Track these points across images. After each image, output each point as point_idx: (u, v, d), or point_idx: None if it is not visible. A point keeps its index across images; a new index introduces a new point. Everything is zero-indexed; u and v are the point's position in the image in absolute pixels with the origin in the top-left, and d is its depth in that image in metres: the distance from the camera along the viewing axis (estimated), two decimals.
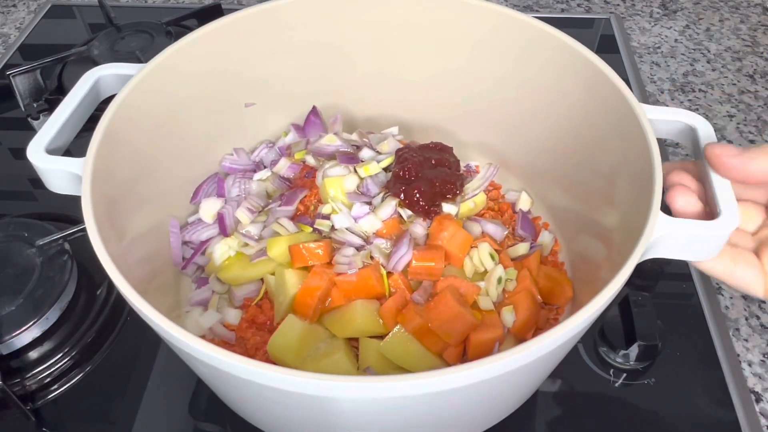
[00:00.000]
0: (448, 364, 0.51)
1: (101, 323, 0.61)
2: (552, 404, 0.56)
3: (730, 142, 0.82)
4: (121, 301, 0.63)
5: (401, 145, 0.61)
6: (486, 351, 0.52)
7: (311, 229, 0.57)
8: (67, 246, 0.63)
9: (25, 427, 0.56)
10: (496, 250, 0.57)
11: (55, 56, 0.84)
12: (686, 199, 0.45)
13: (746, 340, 0.62)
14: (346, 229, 0.56)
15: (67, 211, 0.69)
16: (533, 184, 0.65)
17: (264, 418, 0.49)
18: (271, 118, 0.68)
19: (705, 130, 0.49)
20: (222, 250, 0.59)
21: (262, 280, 0.58)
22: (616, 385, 0.58)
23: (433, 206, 0.56)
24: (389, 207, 0.56)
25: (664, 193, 0.44)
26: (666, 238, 0.43)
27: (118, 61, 0.59)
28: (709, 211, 0.45)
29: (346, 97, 0.68)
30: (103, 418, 0.56)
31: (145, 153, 0.55)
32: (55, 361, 0.59)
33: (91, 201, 0.44)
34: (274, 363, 0.40)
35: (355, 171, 0.59)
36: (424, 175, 0.57)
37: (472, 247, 0.57)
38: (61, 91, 0.85)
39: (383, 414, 0.41)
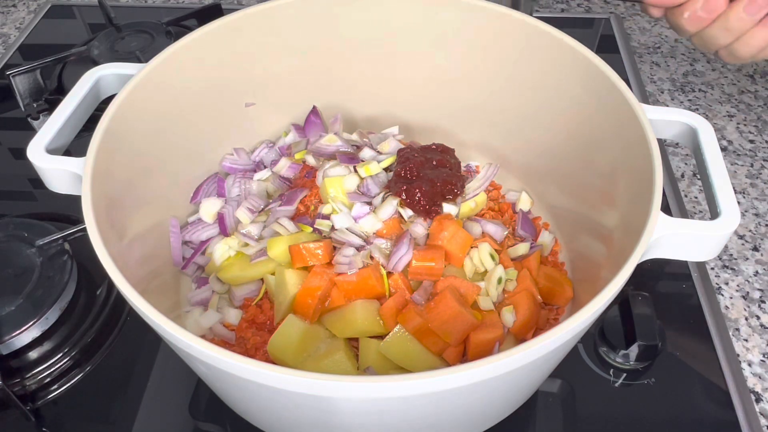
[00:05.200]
0: (448, 364, 0.51)
1: (101, 323, 0.61)
2: (552, 404, 0.56)
3: (730, 142, 0.82)
4: (121, 301, 0.63)
5: (402, 146, 0.62)
6: (486, 351, 0.52)
7: (311, 229, 0.57)
8: (67, 246, 0.63)
9: (25, 427, 0.56)
10: (496, 250, 0.57)
11: (55, 56, 0.84)
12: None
13: (746, 340, 0.62)
14: (347, 229, 0.56)
15: (67, 211, 0.69)
16: (533, 184, 0.65)
17: (264, 418, 0.49)
18: (271, 118, 0.68)
19: (705, 130, 0.49)
20: (222, 250, 0.59)
21: (262, 280, 0.58)
22: (616, 385, 0.58)
23: (434, 206, 0.57)
24: (390, 207, 0.56)
25: None
26: (666, 238, 0.43)
27: (118, 61, 0.59)
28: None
29: (346, 97, 0.68)
30: (103, 418, 0.56)
31: (146, 153, 0.55)
32: (55, 361, 0.59)
33: (91, 201, 0.44)
34: (274, 363, 0.40)
35: (356, 171, 0.59)
36: (426, 175, 0.57)
37: (472, 247, 0.57)
38: (61, 91, 0.85)
39: (383, 414, 0.41)
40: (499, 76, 0.61)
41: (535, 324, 0.55)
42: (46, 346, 0.59)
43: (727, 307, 0.65)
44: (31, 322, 0.58)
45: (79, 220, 0.64)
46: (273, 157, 0.67)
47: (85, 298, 0.63)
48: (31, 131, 0.84)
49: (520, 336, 0.54)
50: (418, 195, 0.56)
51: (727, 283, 0.67)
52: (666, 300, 0.63)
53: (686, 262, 0.66)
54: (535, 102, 0.60)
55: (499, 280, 0.55)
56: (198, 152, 0.63)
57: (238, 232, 0.59)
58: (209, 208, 0.61)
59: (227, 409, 0.54)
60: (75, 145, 0.53)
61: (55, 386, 0.58)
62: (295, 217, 0.59)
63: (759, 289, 0.66)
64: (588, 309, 0.38)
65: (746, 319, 0.64)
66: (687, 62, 0.94)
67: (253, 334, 0.55)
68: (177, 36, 0.87)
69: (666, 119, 0.51)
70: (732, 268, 0.68)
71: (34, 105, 0.83)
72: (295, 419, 0.44)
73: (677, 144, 0.82)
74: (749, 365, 0.61)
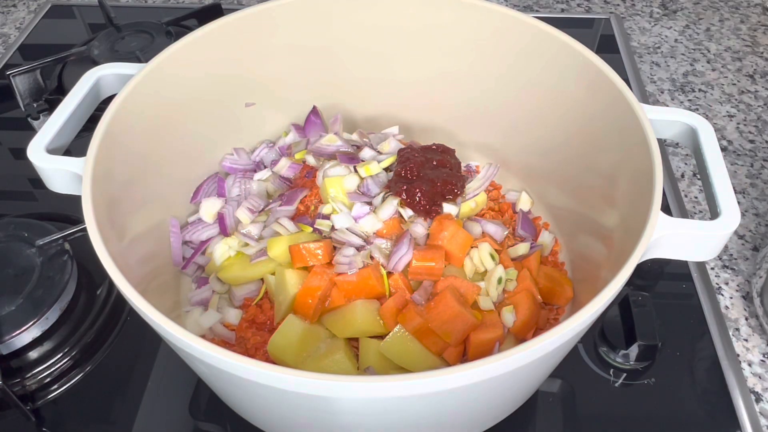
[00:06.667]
0: (448, 364, 0.51)
1: (101, 323, 0.61)
2: (552, 404, 0.56)
3: (730, 142, 0.82)
4: (121, 301, 0.63)
5: (402, 146, 0.62)
6: (486, 351, 0.52)
7: (311, 229, 0.57)
8: (67, 246, 0.63)
9: (25, 427, 0.56)
10: (496, 250, 0.57)
11: (55, 56, 0.84)
12: None
13: (746, 340, 0.62)
14: (347, 229, 0.56)
15: (67, 211, 0.69)
16: (533, 184, 0.65)
17: (264, 418, 0.49)
18: (271, 118, 0.68)
19: (705, 130, 0.49)
20: (222, 250, 0.59)
21: (262, 280, 0.58)
22: (616, 385, 0.58)
23: (434, 206, 0.57)
24: (390, 207, 0.56)
25: None
26: (666, 238, 0.43)
27: (118, 61, 0.59)
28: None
29: (346, 97, 0.68)
30: (103, 418, 0.56)
31: (146, 152, 0.55)
32: (55, 361, 0.59)
33: (91, 200, 0.44)
34: (274, 363, 0.40)
35: (356, 171, 0.59)
36: (426, 175, 0.57)
37: (472, 247, 0.57)
38: (61, 91, 0.85)
39: (383, 414, 0.41)
40: (499, 76, 0.61)
41: (535, 324, 0.55)
42: (46, 346, 0.59)
43: (727, 307, 0.65)
44: (31, 322, 0.58)
45: (79, 220, 0.64)
46: (273, 157, 0.67)
47: (85, 298, 0.63)
48: (31, 131, 0.84)
49: (520, 336, 0.54)
50: (419, 195, 0.56)
51: (727, 283, 0.67)
52: (666, 300, 0.63)
53: (686, 262, 0.66)
54: (536, 102, 0.60)
55: (499, 280, 0.55)
56: (198, 152, 0.63)
57: (238, 232, 0.59)
58: (209, 208, 0.61)
59: (227, 409, 0.54)
60: (75, 145, 0.53)
61: (55, 386, 0.58)
62: (295, 217, 0.59)
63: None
64: (588, 309, 0.38)
65: (746, 319, 0.64)
66: (687, 62, 0.94)
67: (253, 334, 0.55)
68: (177, 36, 0.87)
69: (666, 119, 0.51)
70: (732, 268, 0.68)
71: (34, 105, 0.83)
72: (295, 419, 0.44)
73: (677, 144, 0.82)
74: (749, 365, 0.61)
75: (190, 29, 0.71)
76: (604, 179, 0.54)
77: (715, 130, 0.80)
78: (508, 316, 0.53)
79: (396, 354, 0.50)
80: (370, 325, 0.52)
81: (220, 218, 0.61)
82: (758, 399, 0.58)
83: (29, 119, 0.84)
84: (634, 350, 0.57)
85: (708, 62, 0.94)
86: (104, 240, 0.42)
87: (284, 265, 0.55)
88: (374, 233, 0.56)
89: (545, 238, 0.62)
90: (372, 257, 0.54)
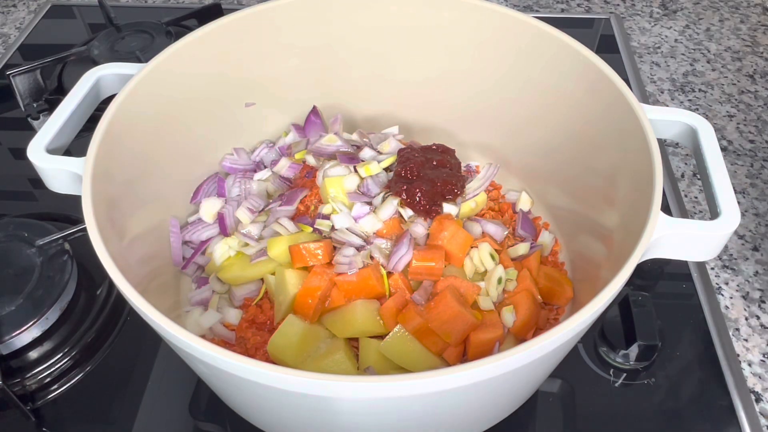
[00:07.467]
0: (448, 364, 0.51)
1: (101, 323, 0.61)
2: (552, 404, 0.56)
3: (730, 142, 0.82)
4: (121, 301, 0.63)
5: (402, 146, 0.62)
6: (486, 351, 0.52)
7: (311, 229, 0.57)
8: (67, 246, 0.63)
9: (25, 427, 0.56)
10: (496, 250, 0.57)
11: (55, 56, 0.84)
12: None
13: (746, 340, 0.62)
14: (347, 229, 0.56)
15: (67, 211, 0.69)
16: (533, 184, 0.65)
17: (264, 418, 0.49)
18: (271, 118, 0.68)
19: (705, 130, 0.49)
20: (222, 250, 0.59)
21: (262, 280, 0.58)
22: (616, 385, 0.58)
23: (434, 206, 0.57)
24: (390, 207, 0.56)
25: None
26: (666, 239, 0.43)
27: (118, 61, 0.59)
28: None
29: (346, 97, 0.68)
30: (103, 418, 0.56)
31: (146, 152, 0.55)
32: (55, 361, 0.59)
33: (91, 200, 0.44)
34: (274, 363, 0.40)
35: (356, 171, 0.59)
36: (426, 175, 0.57)
37: (472, 247, 0.57)
38: (61, 91, 0.85)
39: (383, 414, 0.41)
40: (499, 76, 0.61)
41: (535, 324, 0.55)
42: (46, 346, 0.59)
43: (727, 307, 0.65)
44: (31, 322, 0.58)
45: (79, 220, 0.64)
46: (273, 157, 0.67)
47: (85, 298, 0.63)
48: (31, 131, 0.84)
49: (520, 336, 0.54)
50: (419, 195, 0.56)
51: (727, 283, 0.67)
52: (666, 300, 0.63)
53: (686, 262, 0.66)
54: (536, 102, 0.60)
55: (499, 280, 0.55)
56: (198, 152, 0.63)
57: (238, 232, 0.59)
58: (209, 208, 0.61)
59: (227, 409, 0.54)
60: (75, 145, 0.53)
61: (55, 386, 0.58)
62: (295, 217, 0.59)
63: (759, 289, 0.67)
64: (588, 309, 0.39)
65: (746, 319, 0.64)
66: (687, 62, 0.94)
67: (253, 334, 0.55)
68: (177, 36, 0.87)
69: (666, 119, 0.51)
70: (732, 268, 0.68)
71: (34, 105, 0.83)
72: (295, 419, 0.44)
73: (677, 144, 0.82)
74: (749, 365, 0.61)
75: (190, 29, 0.71)
76: (604, 179, 0.54)
77: (715, 130, 0.80)
78: (508, 316, 0.53)
79: (396, 354, 0.50)
80: (370, 325, 0.52)
81: (220, 218, 0.61)
82: (758, 399, 0.58)
83: (29, 119, 0.84)
84: (634, 350, 0.57)
85: (708, 62, 0.94)
86: (104, 240, 0.42)
87: (284, 265, 0.55)
88: (374, 233, 0.56)
89: (545, 238, 0.62)
90: (372, 257, 0.54)
